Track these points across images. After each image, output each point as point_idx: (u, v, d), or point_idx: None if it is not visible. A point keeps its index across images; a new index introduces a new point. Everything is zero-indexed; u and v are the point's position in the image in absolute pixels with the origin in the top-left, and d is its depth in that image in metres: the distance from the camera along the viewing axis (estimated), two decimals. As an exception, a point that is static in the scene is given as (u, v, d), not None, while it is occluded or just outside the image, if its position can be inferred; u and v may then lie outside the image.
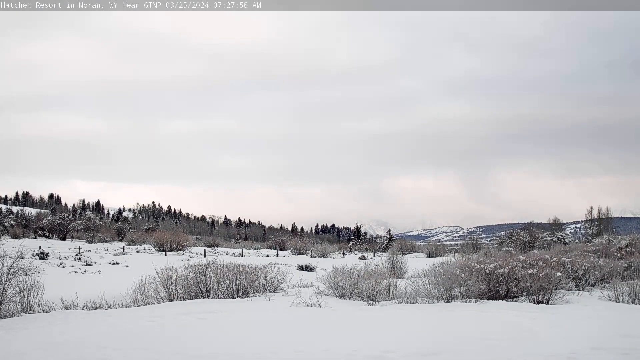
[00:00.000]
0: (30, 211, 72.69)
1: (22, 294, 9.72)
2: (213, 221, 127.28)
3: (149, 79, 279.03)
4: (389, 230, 74.03)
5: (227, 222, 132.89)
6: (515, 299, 11.70)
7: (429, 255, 37.85)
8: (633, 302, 11.44)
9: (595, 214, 45.61)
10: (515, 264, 12.30)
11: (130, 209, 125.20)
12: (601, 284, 14.24)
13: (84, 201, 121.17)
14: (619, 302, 11.60)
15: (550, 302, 11.30)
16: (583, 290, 13.65)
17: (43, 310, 9.91)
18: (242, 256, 34.62)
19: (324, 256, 36.89)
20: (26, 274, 10.66)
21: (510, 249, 32.31)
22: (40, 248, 28.71)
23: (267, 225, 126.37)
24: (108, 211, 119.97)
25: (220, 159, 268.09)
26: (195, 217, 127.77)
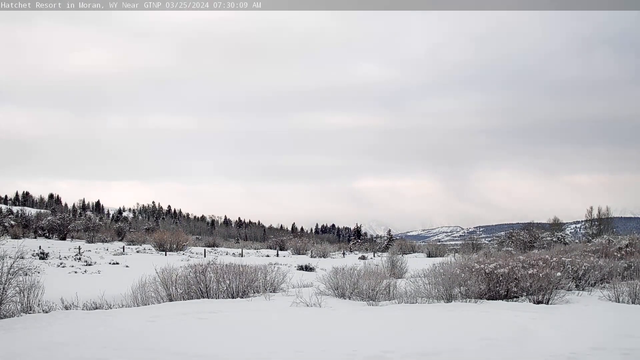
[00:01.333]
0: (30, 211, 72.67)
1: (22, 294, 9.72)
2: (213, 221, 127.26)
3: (79, 69, 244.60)
4: (389, 230, 73.83)
5: (227, 222, 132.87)
6: (515, 299, 11.71)
7: (429, 255, 37.85)
8: (633, 302, 11.44)
9: (595, 214, 45.63)
10: (515, 264, 12.30)
11: (130, 209, 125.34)
12: (601, 284, 14.25)
13: (84, 201, 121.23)
14: (619, 302, 11.60)
15: (550, 302, 11.30)
16: (583, 290, 13.66)
17: (43, 310, 9.91)
18: (242, 256, 34.62)
19: (324, 256, 36.89)
20: (26, 274, 10.66)
21: (510, 249, 32.34)
22: (40, 248, 28.71)
23: (267, 225, 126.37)
24: (108, 211, 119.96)
25: (180, 156, 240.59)
26: (195, 217, 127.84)
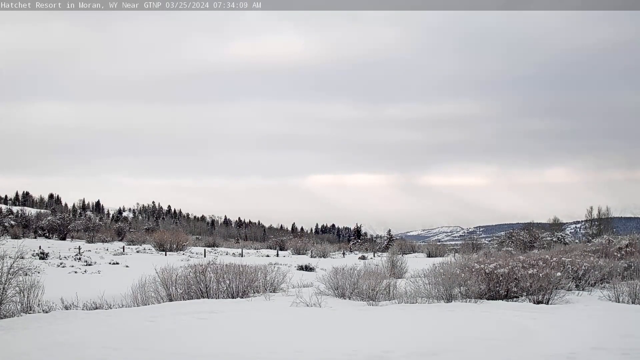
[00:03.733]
0: (30, 211, 72.56)
1: (22, 294, 9.72)
2: (213, 221, 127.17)
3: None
4: (389, 230, 73.63)
5: (227, 222, 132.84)
6: (515, 299, 11.71)
7: (429, 255, 37.85)
8: (633, 302, 11.44)
9: (595, 214, 45.58)
10: (515, 264, 12.31)
11: (130, 209, 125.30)
12: (601, 284, 14.25)
13: (84, 201, 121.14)
14: (619, 302, 11.60)
15: (550, 302, 11.30)
16: (583, 290, 13.66)
17: (43, 310, 9.91)
18: (242, 256, 34.62)
19: (324, 256, 36.89)
20: (26, 274, 10.65)
21: (510, 249, 32.30)
22: (40, 248, 28.69)
23: (267, 225, 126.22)
24: (108, 211, 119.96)
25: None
26: (195, 217, 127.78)
